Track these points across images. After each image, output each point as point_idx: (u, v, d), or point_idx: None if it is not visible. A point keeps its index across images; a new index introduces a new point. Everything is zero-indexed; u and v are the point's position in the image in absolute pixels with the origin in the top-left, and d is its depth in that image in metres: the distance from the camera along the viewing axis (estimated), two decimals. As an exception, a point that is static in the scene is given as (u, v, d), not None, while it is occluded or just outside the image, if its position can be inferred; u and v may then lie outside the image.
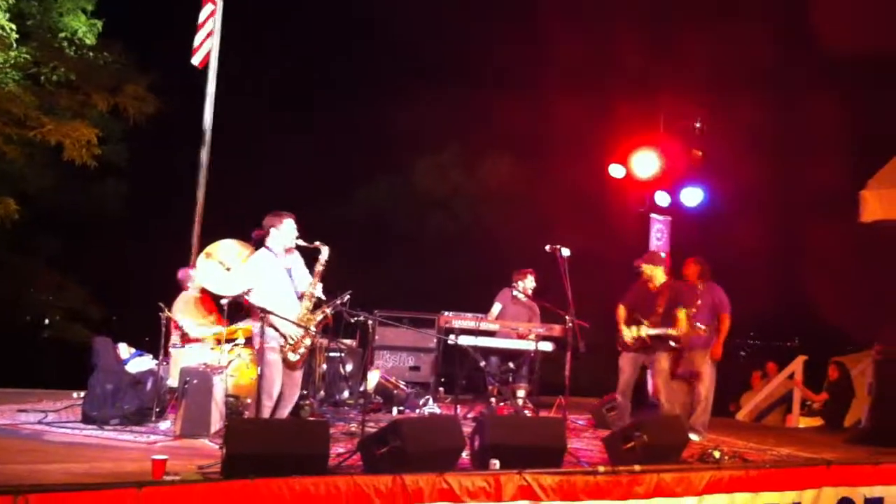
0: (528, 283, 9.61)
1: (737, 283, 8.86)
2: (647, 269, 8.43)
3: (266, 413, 6.39)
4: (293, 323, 6.47)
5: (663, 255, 9.72)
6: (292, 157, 21.16)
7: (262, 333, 6.36)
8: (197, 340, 8.15)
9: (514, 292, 9.61)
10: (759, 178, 15.19)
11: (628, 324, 8.31)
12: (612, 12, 17.66)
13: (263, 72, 20.64)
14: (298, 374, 6.78)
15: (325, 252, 6.75)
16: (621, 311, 8.45)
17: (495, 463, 5.56)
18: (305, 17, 22.30)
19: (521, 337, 9.18)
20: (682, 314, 8.00)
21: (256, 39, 18.29)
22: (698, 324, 8.00)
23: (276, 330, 6.40)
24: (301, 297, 6.68)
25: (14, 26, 12.16)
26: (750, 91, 15.52)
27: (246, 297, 6.43)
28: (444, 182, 23.56)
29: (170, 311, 8.05)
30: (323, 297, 6.81)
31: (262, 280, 6.50)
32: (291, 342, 6.49)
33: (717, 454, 6.56)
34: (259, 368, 6.37)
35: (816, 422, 11.39)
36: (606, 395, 9.27)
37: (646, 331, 8.10)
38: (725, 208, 13.53)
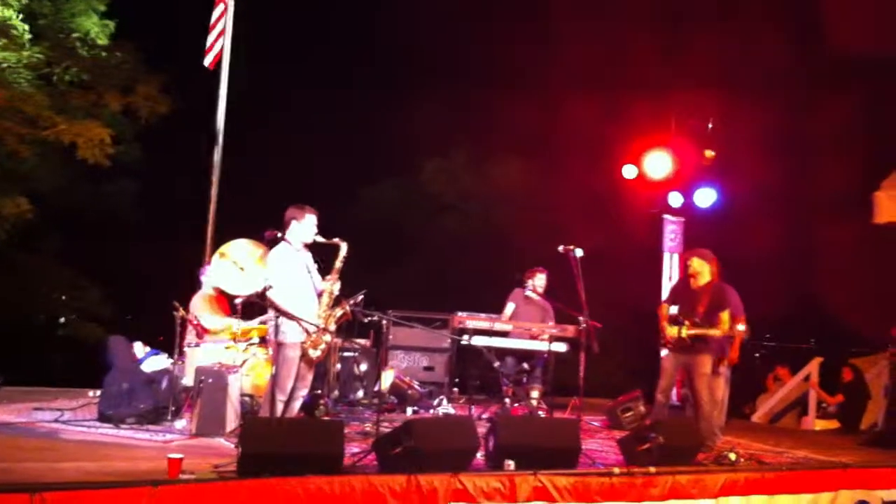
0: (539, 281, 9.59)
1: (751, 285, 8.75)
2: (696, 263, 7.88)
3: (279, 408, 6.38)
4: (311, 324, 6.46)
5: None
6: (305, 156, 21.18)
7: (280, 329, 6.36)
8: (212, 332, 8.16)
9: (527, 292, 9.59)
10: (772, 178, 15.12)
11: (670, 322, 7.79)
12: (623, 13, 17.62)
13: (275, 71, 20.66)
14: (311, 371, 6.77)
15: (343, 248, 6.74)
16: (664, 310, 7.93)
17: (510, 464, 5.55)
18: (316, 17, 22.33)
19: (534, 337, 9.16)
20: (725, 315, 7.54)
21: (267, 39, 18.30)
22: (740, 326, 7.66)
23: (299, 324, 6.39)
24: (320, 295, 6.68)
25: (27, 26, 12.22)
26: (762, 90, 15.47)
27: (266, 292, 6.39)
28: (456, 183, 23.56)
29: (186, 308, 8.06)
30: (338, 295, 6.78)
31: (283, 275, 6.50)
32: (312, 338, 6.48)
33: (732, 456, 6.52)
34: (275, 363, 6.36)
35: (832, 424, 11.31)
36: (621, 395, 9.25)
37: (686, 331, 7.63)
38: (738, 209, 13.48)
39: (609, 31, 17.72)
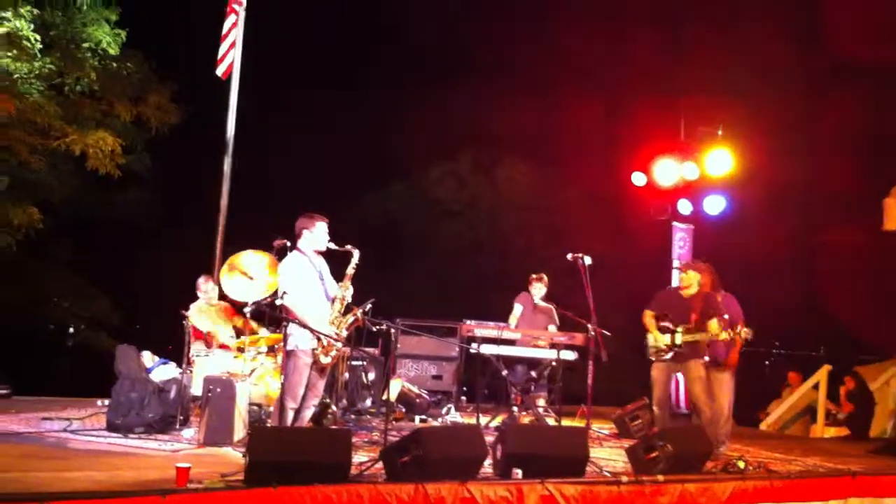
0: (539, 288, 9.59)
1: (760, 292, 8.75)
2: (691, 275, 8.10)
3: (289, 416, 6.37)
4: (324, 334, 6.46)
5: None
6: (313, 162, 21.26)
7: (292, 335, 6.39)
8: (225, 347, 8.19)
9: (536, 299, 9.58)
10: (782, 185, 15.09)
11: (661, 332, 7.98)
12: (631, 19, 17.64)
13: (283, 79, 20.74)
14: (322, 380, 6.78)
15: (356, 255, 6.75)
16: (649, 319, 8.10)
17: (518, 472, 5.54)
18: (320, 22, 22.42)
19: (542, 345, 9.14)
20: (713, 323, 7.74)
21: (274, 47, 18.38)
22: (730, 330, 7.71)
23: (312, 331, 6.40)
24: (332, 301, 6.69)
25: (38, 37, 12.25)
26: (772, 97, 15.44)
27: (279, 300, 6.39)
28: (462, 188, 23.57)
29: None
30: (350, 302, 6.79)
31: (295, 284, 6.51)
32: (324, 345, 6.49)
33: (741, 464, 6.49)
34: (285, 371, 6.38)
35: (842, 432, 11.28)
36: (629, 404, 9.22)
37: (680, 338, 7.79)
38: (748, 216, 13.44)
39: (618, 37, 17.74)
